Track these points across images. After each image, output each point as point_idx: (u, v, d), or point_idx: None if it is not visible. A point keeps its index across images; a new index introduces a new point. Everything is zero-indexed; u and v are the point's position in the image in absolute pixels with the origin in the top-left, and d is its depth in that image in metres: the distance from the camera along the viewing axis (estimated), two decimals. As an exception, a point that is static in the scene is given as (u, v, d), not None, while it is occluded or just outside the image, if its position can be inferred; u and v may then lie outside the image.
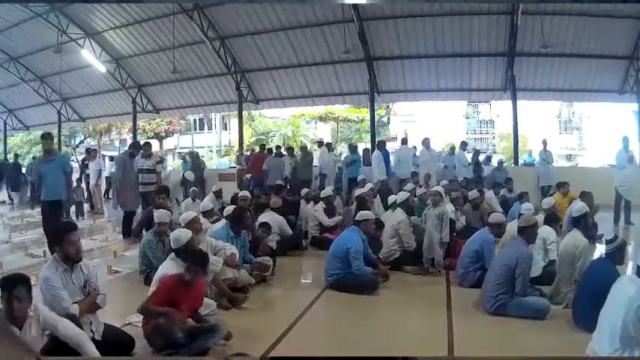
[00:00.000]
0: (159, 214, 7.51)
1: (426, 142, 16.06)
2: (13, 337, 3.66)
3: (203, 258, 5.09)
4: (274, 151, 17.25)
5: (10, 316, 3.78)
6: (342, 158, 17.02)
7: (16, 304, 3.77)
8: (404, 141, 17.00)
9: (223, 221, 7.98)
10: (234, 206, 8.37)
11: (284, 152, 17.20)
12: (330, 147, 17.63)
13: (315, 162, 17.09)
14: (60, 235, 4.58)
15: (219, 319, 5.25)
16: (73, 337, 3.99)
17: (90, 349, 4.02)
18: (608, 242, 5.55)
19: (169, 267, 5.57)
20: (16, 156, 23.89)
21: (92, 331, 4.56)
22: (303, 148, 17.59)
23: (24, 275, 3.99)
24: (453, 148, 16.83)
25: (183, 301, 4.80)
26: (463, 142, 18.00)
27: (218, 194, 12.17)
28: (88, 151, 19.16)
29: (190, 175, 12.28)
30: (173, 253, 5.77)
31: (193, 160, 19.18)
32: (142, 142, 12.47)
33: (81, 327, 4.20)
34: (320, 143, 19.22)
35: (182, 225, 6.58)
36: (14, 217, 15.89)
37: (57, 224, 4.95)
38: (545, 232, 7.34)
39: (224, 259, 6.57)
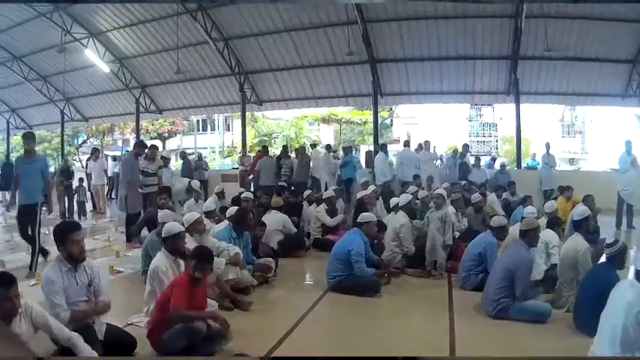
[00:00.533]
0: (163, 214, 7.52)
1: (426, 145, 16.07)
2: (11, 337, 3.68)
3: (209, 255, 5.05)
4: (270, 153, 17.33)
5: (3, 313, 3.78)
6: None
7: (9, 302, 3.77)
8: (406, 143, 16.98)
9: (226, 222, 7.98)
10: (237, 207, 8.37)
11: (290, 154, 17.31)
12: (330, 149, 17.65)
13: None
14: (63, 234, 4.57)
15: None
16: (65, 338, 4.01)
17: (85, 350, 4.01)
18: (608, 246, 5.54)
19: (161, 260, 5.62)
20: (7, 156, 23.95)
21: (95, 331, 4.56)
22: (302, 149, 17.53)
23: (12, 274, 4.00)
24: (455, 151, 16.81)
25: (194, 301, 4.77)
26: (465, 144, 17.97)
27: (220, 195, 12.17)
28: (93, 151, 19.08)
29: (196, 184, 12.22)
30: (163, 247, 5.79)
31: (187, 162, 19.04)
32: (148, 145, 12.33)
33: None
34: (313, 146, 19.21)
35: (185, 226, 6.58)
36: (15, 216, 15.90)
37: (59, 224, 4.94)
38: (548, 235, 7.32)
39: (227, 260, 6.59)
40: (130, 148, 19.73)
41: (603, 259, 5.81)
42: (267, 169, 15.59)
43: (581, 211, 6.90)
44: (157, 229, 7.38)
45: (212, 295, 6.29)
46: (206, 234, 6.99)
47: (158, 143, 44.33)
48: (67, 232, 4.58)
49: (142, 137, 30.85)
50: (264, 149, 17.38)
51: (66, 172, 15.45)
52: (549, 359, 5.06)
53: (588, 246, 6.33)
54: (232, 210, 7.98)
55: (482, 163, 17.17)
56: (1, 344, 3.60)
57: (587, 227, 6.77)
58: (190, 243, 6.20)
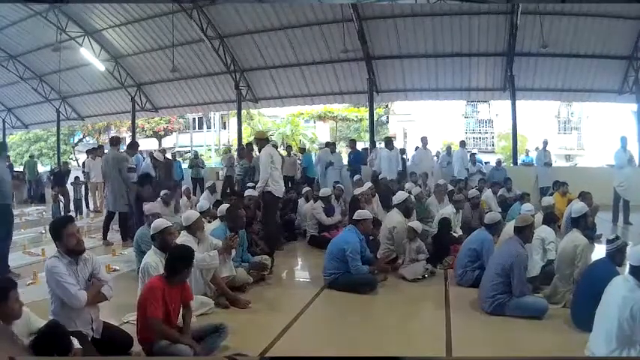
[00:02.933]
0: (149, 207, 7.54)
1: (423, 141, 16.03)
2: (12, 337, 3.67)
3: (185, 257, 4.85)
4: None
5: (10, 316, 3.77)
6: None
7: (10, 306, 3.74)
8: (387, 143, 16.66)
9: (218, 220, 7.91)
10: (228, 205, 8.29)
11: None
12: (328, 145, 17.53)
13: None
14: (58, 229, 4.55)
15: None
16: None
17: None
18: (609, 242, 5.54)
19: (151, 256, 5.65)
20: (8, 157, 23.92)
21: (92, 329, 4.54)
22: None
23: (12, 278, 3.98)
24: (449, 148, 16.76)
25: (172, 302, 4.68)
26: (462, 141, 17.97)
27: (211, 189, 12.16)
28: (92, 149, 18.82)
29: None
30: (152, 244, 5.84)
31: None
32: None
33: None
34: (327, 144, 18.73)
35: (184, 224, 6.57)
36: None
37: (53, 221, 4.92)
38: (544, 231, 7.32)
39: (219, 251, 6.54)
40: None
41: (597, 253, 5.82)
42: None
43: (579, 207, 6.90)
44: (147, 223, 7.36)
45: (209, 293, 6.29)
46: (202, 232, 6.94)
47: (154, 141, 44.35)
48: (61, 227, 4.55)
49: (138, 136, 30.83)
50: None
51: (60, 177, 15.34)
52: (548, 359, 5.05)
53: (587, 242, 6.35)
54: (223, 208, 7.93)
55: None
56: (2, 344, 3.59)
57: (585, 224, 6.78)
58: (190, 243, 6.19)
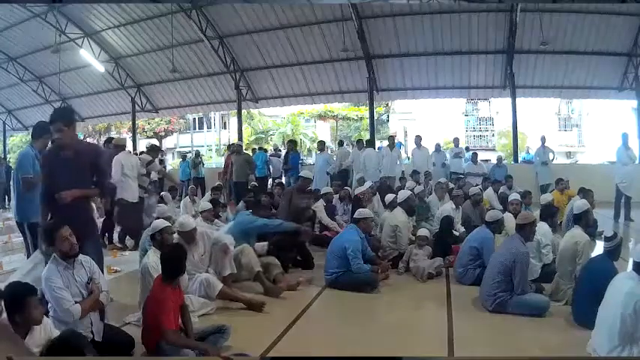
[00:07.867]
0: (161, 210, 7.55)
1: (417, 140, 15.93)
2: (14, 340, 3.67)
3: (173, 251, 4.90)
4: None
5: (27, 322, 3.79)
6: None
7: (34, 310, 3.78)
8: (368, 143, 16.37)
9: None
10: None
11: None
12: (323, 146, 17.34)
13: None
14: (51, 233, 4.58)
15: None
16: None
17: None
18: (607, 239, 5.54)
19: (151, 257, 5.68)
20: (5, 157, 24.03)
21: (92, 332, 4.53)
22: (237, 146, 16.01)
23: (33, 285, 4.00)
24: (438, 146, 16.55)
25: (176, 306, 4.68)
26: (455, 138, 17.82)
27: (217, 189, 12.16)
28: None
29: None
30: (152, 243, 5.91)
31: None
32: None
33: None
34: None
35: (178, 229, 6.57)
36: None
37: (45, 225, 4.94)
38: (541, 231, 7.19)
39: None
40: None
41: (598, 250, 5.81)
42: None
43: (580, 204, 6.87)
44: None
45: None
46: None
47: (155, 142, 44.27)
48: (54, 231, 4.58)
49: (138, 136, 30.81)
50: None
51: None
52: (549, 359, 5.04)
53: (588, 239, 6.32)
54: (204, 205, 8.02)
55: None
56: (1, 344, 3.59)
57: (586, 221, 6.76)
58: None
